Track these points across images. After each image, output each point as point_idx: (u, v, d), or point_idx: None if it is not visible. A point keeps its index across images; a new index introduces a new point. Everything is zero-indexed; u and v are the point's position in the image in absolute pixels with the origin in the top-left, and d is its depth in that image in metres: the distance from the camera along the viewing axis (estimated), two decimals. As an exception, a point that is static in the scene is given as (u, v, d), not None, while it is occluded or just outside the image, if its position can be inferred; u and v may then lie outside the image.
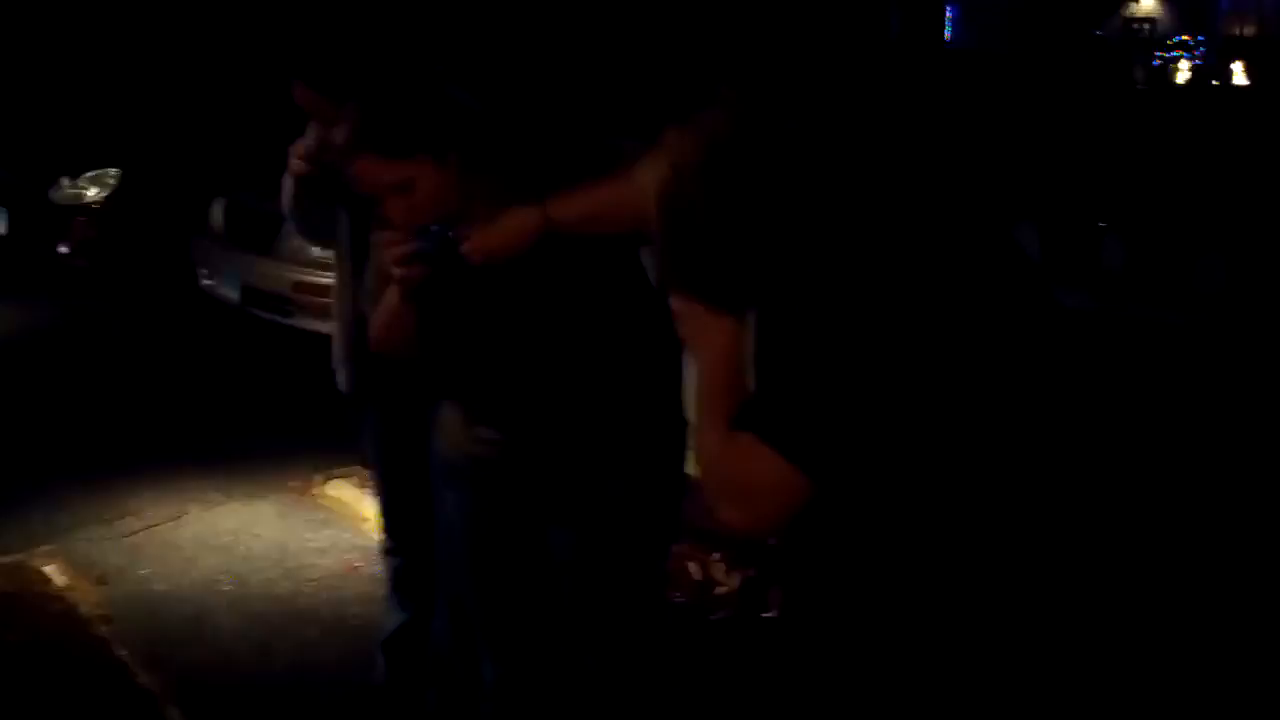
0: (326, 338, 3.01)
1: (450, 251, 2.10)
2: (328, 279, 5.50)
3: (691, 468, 1.67)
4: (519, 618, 2.33)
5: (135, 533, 4.12)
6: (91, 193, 7.57)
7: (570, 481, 2.20)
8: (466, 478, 2.27)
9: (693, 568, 3.59)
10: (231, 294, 6.08)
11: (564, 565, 2.26)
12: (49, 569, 3.82)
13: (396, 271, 2.12)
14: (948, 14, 34.42)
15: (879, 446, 1.31)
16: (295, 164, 2.71)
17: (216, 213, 6.45)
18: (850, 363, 1.28)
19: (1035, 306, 1.41)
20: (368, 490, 4.49)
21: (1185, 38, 30.47)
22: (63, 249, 7.56)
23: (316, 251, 5.74)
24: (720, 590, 3.55)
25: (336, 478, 4.60)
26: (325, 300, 5.51)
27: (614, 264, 2.18)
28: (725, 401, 1.39)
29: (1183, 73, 29.65)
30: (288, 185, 2.82)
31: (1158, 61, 30.48)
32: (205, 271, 6.36)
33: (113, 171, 7.56)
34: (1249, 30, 29.81)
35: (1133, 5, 32.86)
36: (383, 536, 3.06)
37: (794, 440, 1.30)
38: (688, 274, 1.41)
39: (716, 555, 3.62)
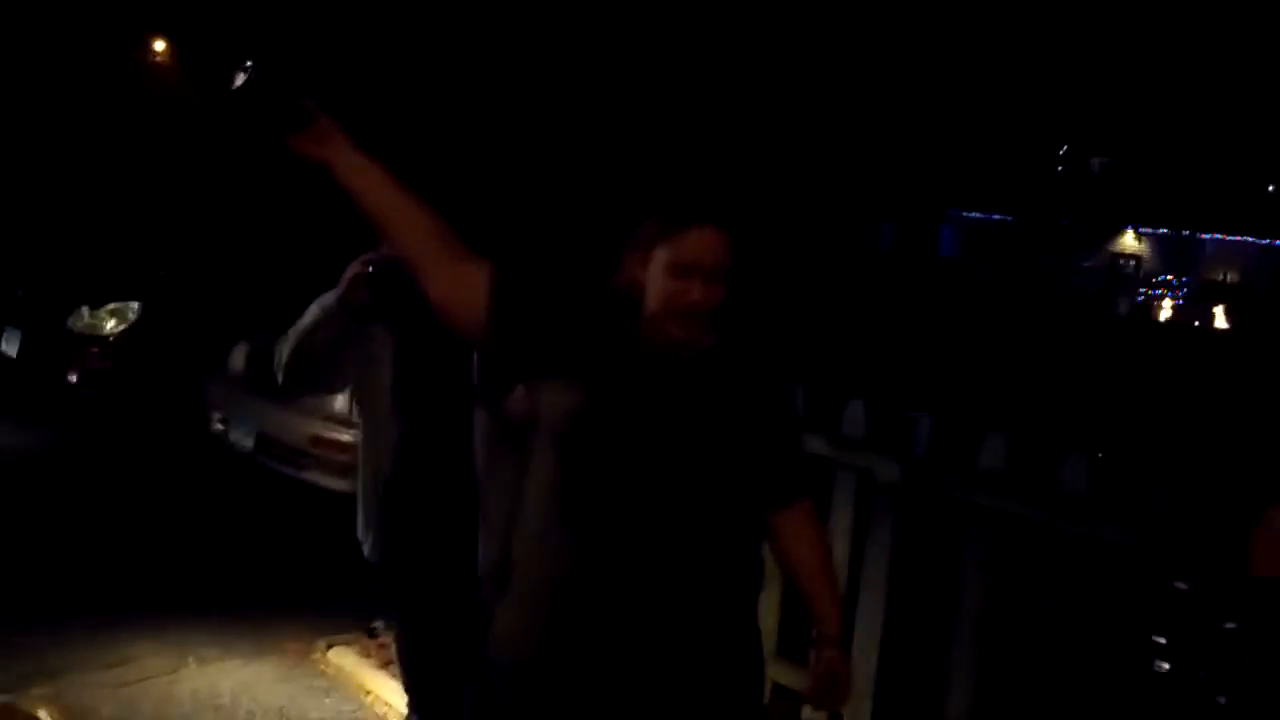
0: (339, 495, 2.90)
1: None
2: (349, 435, 5.54)
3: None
4: None
5: (132, 683, 3.96)
6: (110, 324, 7.60)
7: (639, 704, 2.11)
8: (525, 686, 2.12)
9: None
10: (245, 441, 6.01)
11: None
12: (43, 713, 3.66)
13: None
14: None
15: None
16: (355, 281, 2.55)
17: (238, 356, 6.43)
18: None
19: None
20: (371, 661, 4.37)
21: (1169, 278, 31.56)
22: (72, 378, 7.53)
23: (339, 404, 5.73)
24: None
25: (339, 644, 4.45)
26: (344, 458, 5.49)
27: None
28: None
29: (1165, 310, 30.62)
30: (318, 311, 2.62)
31: (1141, 297, 31.51)
32: (219, 415, 6.30)
33: (134, 305, 7.61)
34: (1232, 276, 30.88)
35: (1119, 241, 34.02)
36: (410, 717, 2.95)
37: None
38: None
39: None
